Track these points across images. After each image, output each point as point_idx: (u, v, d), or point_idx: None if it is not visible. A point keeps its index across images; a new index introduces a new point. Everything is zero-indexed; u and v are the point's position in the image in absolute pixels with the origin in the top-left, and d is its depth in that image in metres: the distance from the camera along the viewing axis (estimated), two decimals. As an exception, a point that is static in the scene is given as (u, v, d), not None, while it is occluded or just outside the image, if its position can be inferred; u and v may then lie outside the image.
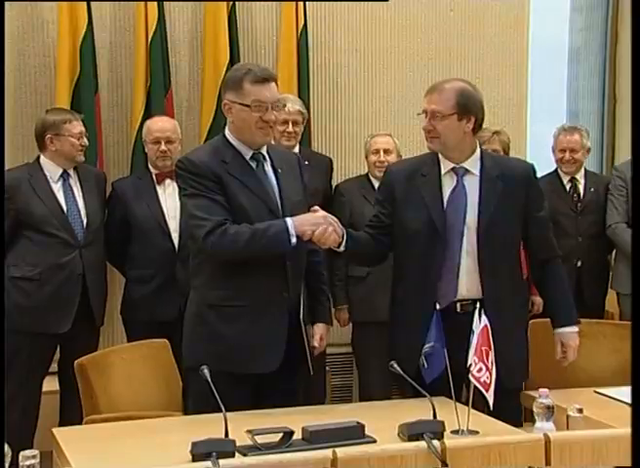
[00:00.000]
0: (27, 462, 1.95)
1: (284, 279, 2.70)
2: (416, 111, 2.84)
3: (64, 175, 3.63)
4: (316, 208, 2.71)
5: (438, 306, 2.63)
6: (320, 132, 4.54)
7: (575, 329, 2.88)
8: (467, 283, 2.75)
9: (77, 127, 3.62)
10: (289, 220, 2.64)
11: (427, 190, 2.78)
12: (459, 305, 2.75)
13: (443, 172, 2.79)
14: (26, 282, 3.52)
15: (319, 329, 2.91)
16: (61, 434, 2.38)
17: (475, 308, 2.45)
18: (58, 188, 3.60)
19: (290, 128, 3.86)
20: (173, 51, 4.27)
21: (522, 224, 2.83)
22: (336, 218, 2.71)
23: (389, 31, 4.67)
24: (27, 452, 1.97)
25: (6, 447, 1.96)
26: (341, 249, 2.72)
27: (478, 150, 2.83)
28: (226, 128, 2.80)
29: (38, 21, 4.14)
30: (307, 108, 4.30)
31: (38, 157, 3.65)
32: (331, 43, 4.60)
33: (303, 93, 4.36)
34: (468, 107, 2.73)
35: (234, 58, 4.23)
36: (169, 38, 4.23)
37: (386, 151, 3.95)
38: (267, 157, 2.80)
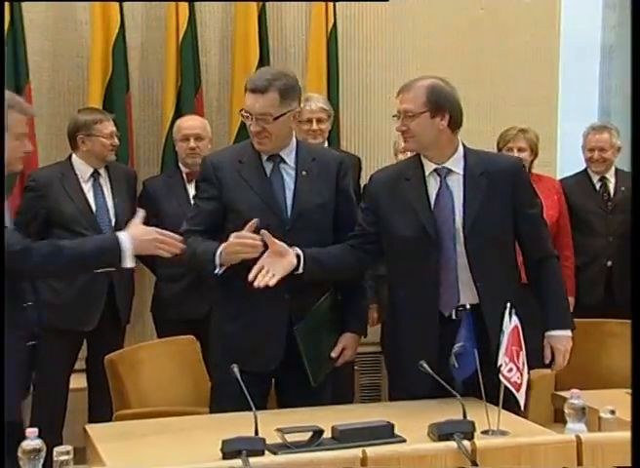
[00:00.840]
0: (61, 458, 1.99)
1: (285, 280, 2.66)
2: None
3: (95, 175, 3.66)
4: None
5: (445, 313, 2.61)
6: (349, 131, 4.54)
7: (567, 332, 2.71)
8: (466, 288, 2.65)
9: (108, 127, 3.66)
10: (219, 249, 2.60)
11: (413, 194, 2.69)
12: (454, 312, 2.66)
13: (427, 173, 2.70)
14: (55, 280, 3.56)
15: (344, 338, 2.84)
16: (94, 431, 2.40)
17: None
18: (88, 188, 3.64)
19: (314, 126, 3.88)
20: (203, 50, 4.31)
21: (513, 222, 2.71)
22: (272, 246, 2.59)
23: (419, 30, 4.67)
24: (61, 448, 2.01)
25: (40, 442, 2.00)
26: (300, 271, 2.64)
27: (461, 148, 2.73)
28: None
29: (72, 23, 4.19)
30: (337, 108, 4.31)
31: (70, 156, 3.69)
32: (360, 42, 4.61)
33: (333, 92, 4.37)
34: (440, 103, 2.65)
35: (264, 57, 4.26)
36: (199, 38, 4.26)
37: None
38: (293, 158, 2.79)
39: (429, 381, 2.49)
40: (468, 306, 2.64)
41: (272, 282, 2.56)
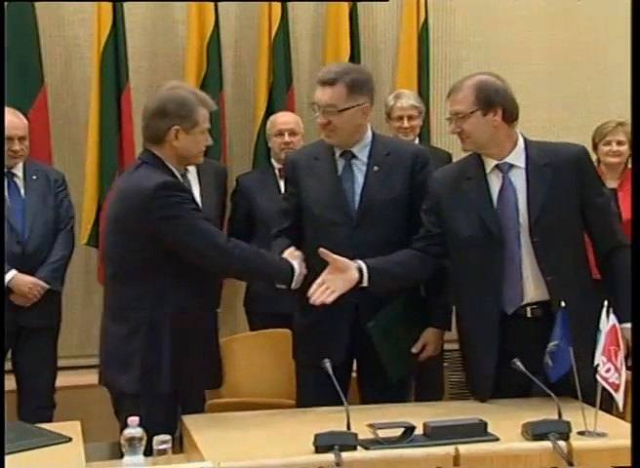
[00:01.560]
0: (161, 446, 2.06)
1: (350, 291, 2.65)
2: (539, 105, 2.75)
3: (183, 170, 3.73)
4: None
5: (509, 311, 2.58)
6: (440, 127, 4.50)
7: (627, 325, 2.54)
8: (532, 285, 2.59)
9: None
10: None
11: (475, 193, 2.63)
12: (528, 310, 2.61)
13: (487, 171, 2.64)
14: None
15: (426, 334, 2.82)
16: (190, 421, 2.47)
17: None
18: (177, 183, 3.72)
19: (405, 123, 3.90)
20: (295, 48, 4.34)
21: (581, 213, 2.63)
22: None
23: (512, 24, 4.60)
24: (160, 437, 2.09)
25: (141, 430, 2.07)
26: (364, 284, 2.63)
27: (521, 141, 2.66)
28: None
29: (169, 22, 4.29)
30: (428, 103, 4.28)
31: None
32: (452, 36, 4.57)
33: (424, 88, 4.36)
34: (490, 99, 2.58)
35: (355, 54, 4.27)
36: (291, 35, 4.30)
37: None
38: (366, 154, 2.80)
39: (491, 382, 2.57)
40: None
41: (330, 299, 2.58)
